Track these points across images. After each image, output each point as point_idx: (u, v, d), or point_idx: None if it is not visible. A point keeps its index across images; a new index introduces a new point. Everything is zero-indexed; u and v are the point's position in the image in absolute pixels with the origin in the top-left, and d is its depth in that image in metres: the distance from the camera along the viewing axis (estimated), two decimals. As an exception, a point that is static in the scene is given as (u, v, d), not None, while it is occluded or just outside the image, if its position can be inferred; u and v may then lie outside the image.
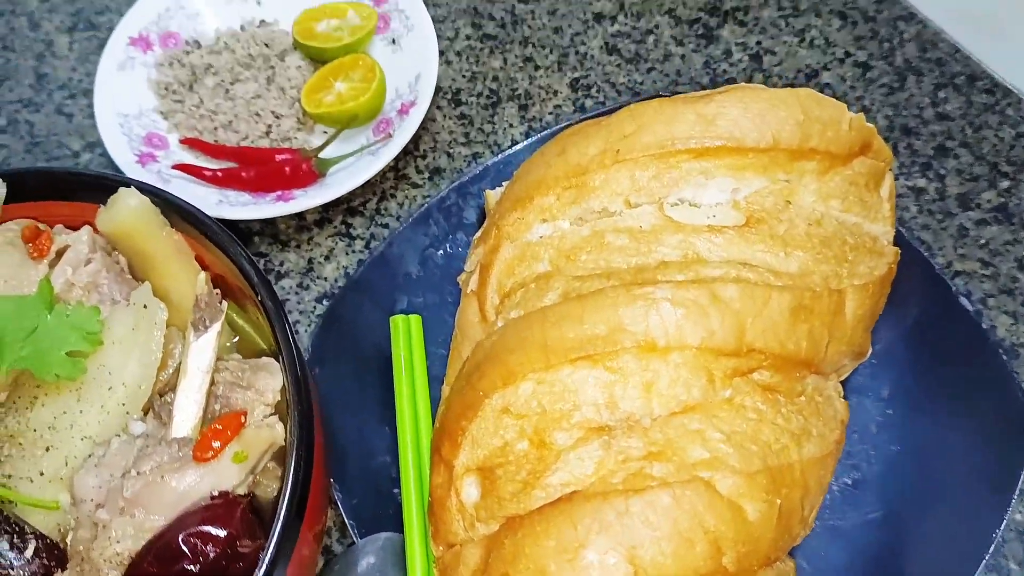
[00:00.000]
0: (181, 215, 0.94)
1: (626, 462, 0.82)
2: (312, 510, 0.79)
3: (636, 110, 0.95)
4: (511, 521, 0.82)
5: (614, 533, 0.77)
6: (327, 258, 1.17)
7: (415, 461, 0.95)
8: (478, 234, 1.02)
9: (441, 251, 1.11)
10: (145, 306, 0.88)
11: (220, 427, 0.80)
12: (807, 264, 0.90)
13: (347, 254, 1.17)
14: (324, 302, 1.14)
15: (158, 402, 0.87)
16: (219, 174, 1.15)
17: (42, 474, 0.85)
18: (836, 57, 1.26)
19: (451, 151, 1.23)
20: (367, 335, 1.06)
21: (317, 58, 1.26)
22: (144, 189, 0.92)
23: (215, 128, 1.21)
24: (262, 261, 1.16)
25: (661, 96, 1.02)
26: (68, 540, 0.83)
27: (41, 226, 0.93)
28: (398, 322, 1.01)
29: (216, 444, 0.79)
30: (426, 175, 1.22)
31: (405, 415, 0.97)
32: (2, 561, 0.80)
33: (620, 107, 1.01)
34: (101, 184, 0.94)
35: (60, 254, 0.92)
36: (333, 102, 1.19)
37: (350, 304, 1.07)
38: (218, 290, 0.92)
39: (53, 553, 0.82)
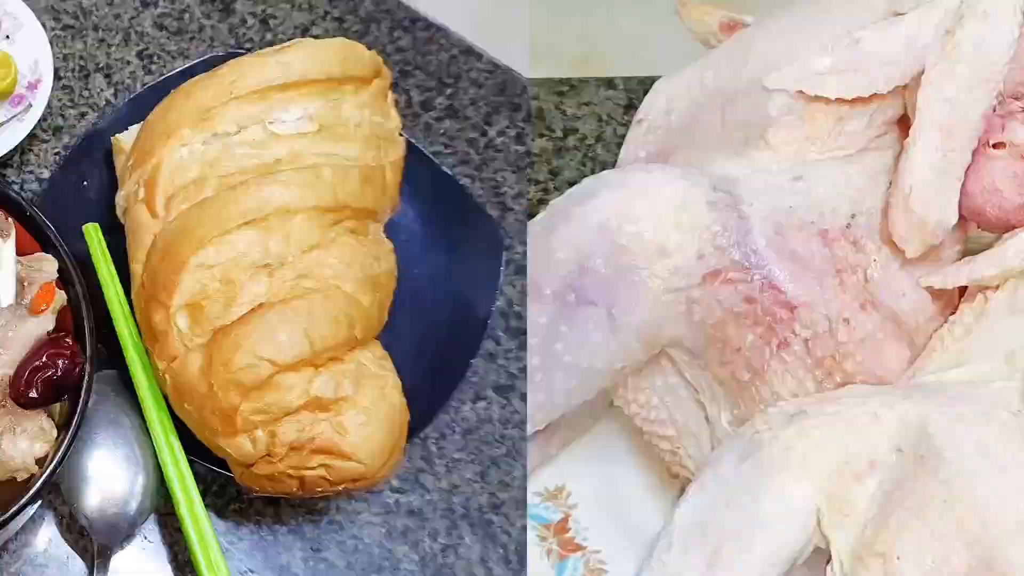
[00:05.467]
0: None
1: (285, 283, 1.28)
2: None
3: (234, 65, 1.41)
4: (221, 329, 1.24)
5: (293, 322, 1.25)
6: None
7: (126, 321, 1.36)
8: (129, 162, 1.42)
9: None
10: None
11: (43, 293, 1.20)
12: (361, 151, 1.39)
13: None
14: None
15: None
16: None
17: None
18: (319, 15, 1.77)
19: (63, 113, 1.59)
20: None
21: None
22: None
23: None
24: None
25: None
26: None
27: None
28: (90, 230, 1.39)
29: (43, 303, 1.19)
30: (50, 133, 1.57)
31: (115, 302, 1.36)
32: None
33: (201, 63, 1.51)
34: None
35: None
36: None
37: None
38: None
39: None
